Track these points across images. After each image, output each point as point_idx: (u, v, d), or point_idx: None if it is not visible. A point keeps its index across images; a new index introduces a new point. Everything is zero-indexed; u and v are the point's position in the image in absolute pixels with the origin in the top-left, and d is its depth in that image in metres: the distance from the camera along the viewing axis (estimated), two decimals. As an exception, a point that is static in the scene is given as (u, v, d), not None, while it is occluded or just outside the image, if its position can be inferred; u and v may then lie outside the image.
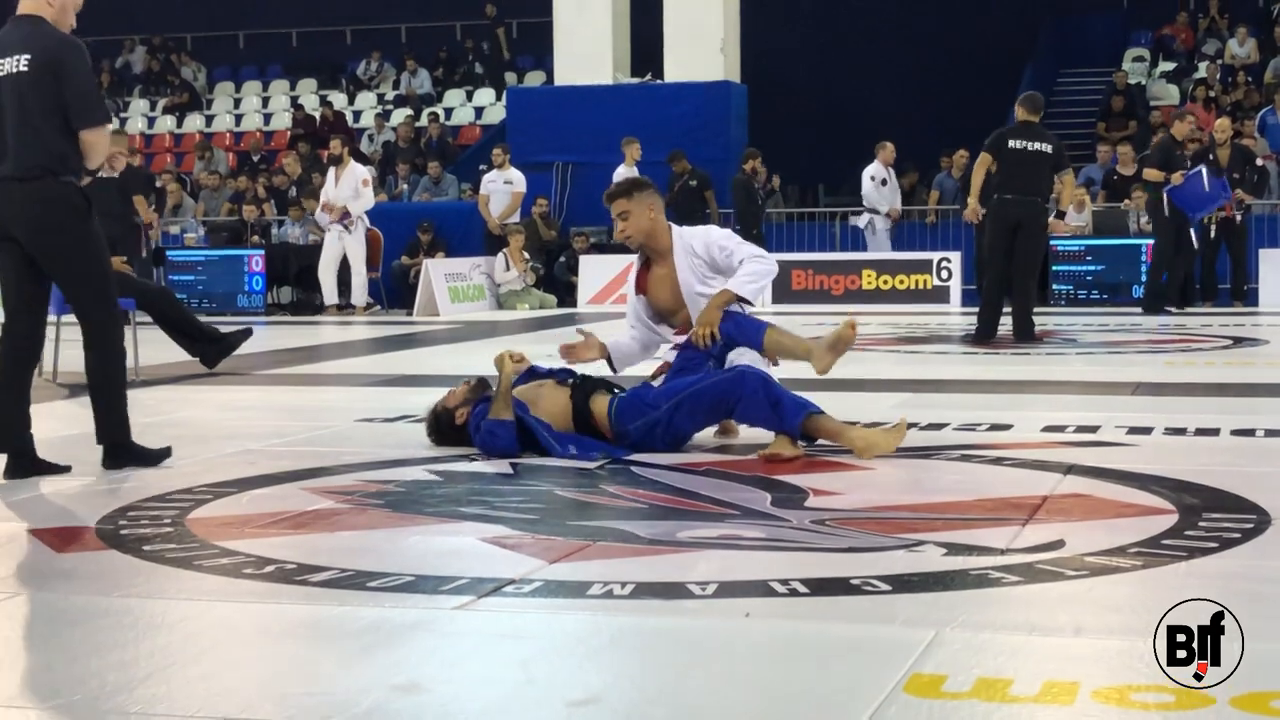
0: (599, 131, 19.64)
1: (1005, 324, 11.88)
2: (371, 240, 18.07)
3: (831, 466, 5.74)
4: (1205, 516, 4.64)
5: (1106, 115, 21.89)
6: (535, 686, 3.09)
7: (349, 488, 5.44)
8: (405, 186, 21.42)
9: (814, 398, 6.12)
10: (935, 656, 3.17)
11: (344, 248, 17.35)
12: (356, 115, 25.71)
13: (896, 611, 3.58)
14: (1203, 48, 23.73)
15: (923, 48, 25.64)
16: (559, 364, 6.61)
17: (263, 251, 18.39)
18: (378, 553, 4.35)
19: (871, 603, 3.69)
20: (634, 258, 6.81)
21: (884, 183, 18.71)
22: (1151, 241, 16.57)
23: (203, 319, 10.71)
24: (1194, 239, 15.47)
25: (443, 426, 6.35)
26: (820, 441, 6.03)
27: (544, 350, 6.87)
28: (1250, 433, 6.51)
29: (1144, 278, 16.49)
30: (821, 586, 3.84)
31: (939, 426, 6.73)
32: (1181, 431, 6.57)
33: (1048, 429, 6.68)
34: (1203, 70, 22.49)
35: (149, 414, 6.13)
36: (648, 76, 20.60)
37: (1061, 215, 12.01)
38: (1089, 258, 16.95)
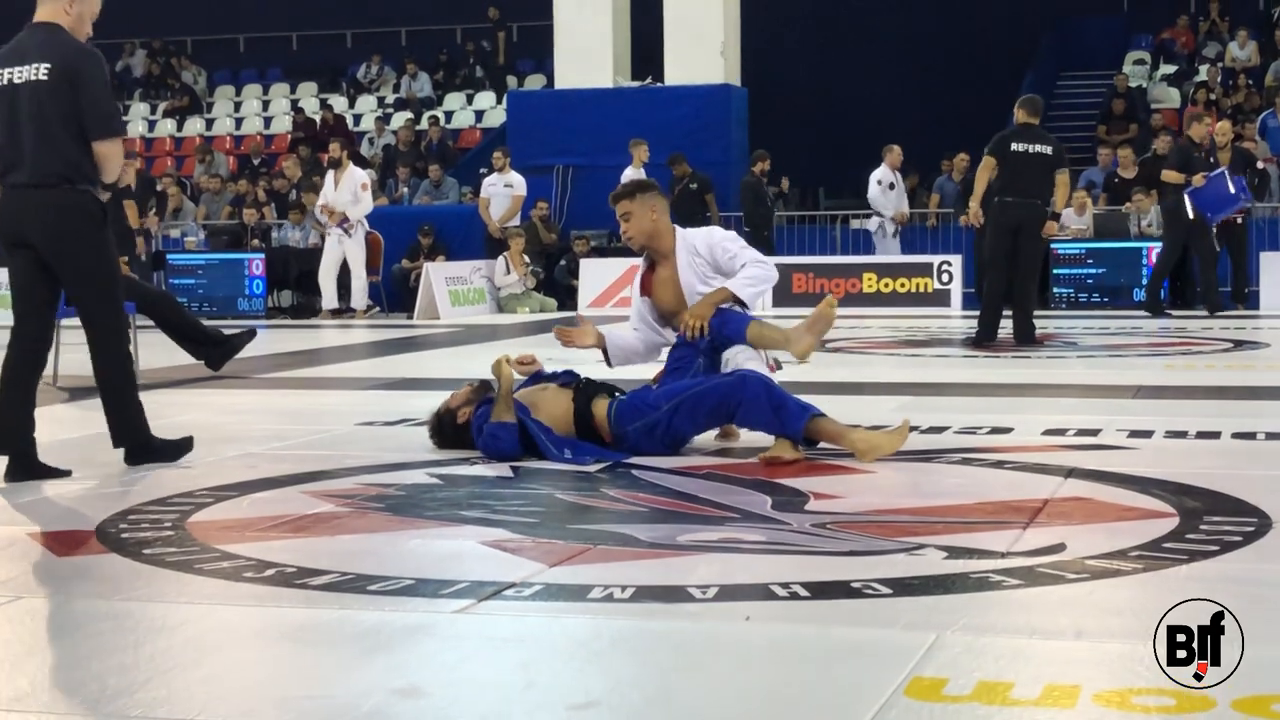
0: (599, 135, 19.66)
1: (1006, 327, 11.88)
2: (372, 244, 18.08)
3: (832, 470, 5.74)
4: (1206, 520, 4.63)
5: (1107, 118, 21.89)
6: (536, 690, 3.09)
7: (349, 491, 5.44)
8: (406, 190, 21.42)
9: (814, 401, 6.12)
10: (936, 660, 3.17)
11: (343, 252, 17.36)
12: (357, 119, 25.73)
13: (897, 615, 3.58)
14: (1203, 51, 23.73)
15: (923, 50, 25.65)
16: (562, 367, 6.62)
17: (263, 255, 18.41)
18: (378, 556, 4.35)
19: (872, 606, 3.69)
20: (635, 260, 6.82)
21: (891, 186, 18.69)
22: (1154, 245, 16.60)
23: (204, 322, 10.71)
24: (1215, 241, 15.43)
25: (445, 428, 6.35)
26: (821, 445, 6.03)
27: (545, 354, 6.87)
28: (1251, 436, 6.50)
29: (1147, 280, 16.53)
30: (822, 590, 3.83)
31: (940, 430, 6.73)
32: (1182, 435, 6.57)
33: (1048, 432, 6.68)
34: (1203, 73, 22.50)
35: (150, 417, 6.13)
36: (648, 79, 20.61)
37: (1056, 218, 11.99)
38: (1090, 261, 16.95)
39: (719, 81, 20.02)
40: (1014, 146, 11.54)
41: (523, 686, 3.11)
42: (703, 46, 19.97)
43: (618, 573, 4.04)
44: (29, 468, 5.80)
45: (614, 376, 6.71)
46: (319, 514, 5.00)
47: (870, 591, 3.80)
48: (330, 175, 17.55)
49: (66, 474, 5.82)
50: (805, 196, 23.09)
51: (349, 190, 17.24)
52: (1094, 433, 6.62)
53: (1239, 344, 11.85)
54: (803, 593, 3.80)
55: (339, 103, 26.35)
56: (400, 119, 24.37)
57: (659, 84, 20.43)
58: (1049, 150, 11.59)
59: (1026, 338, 11.70)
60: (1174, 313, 15.41)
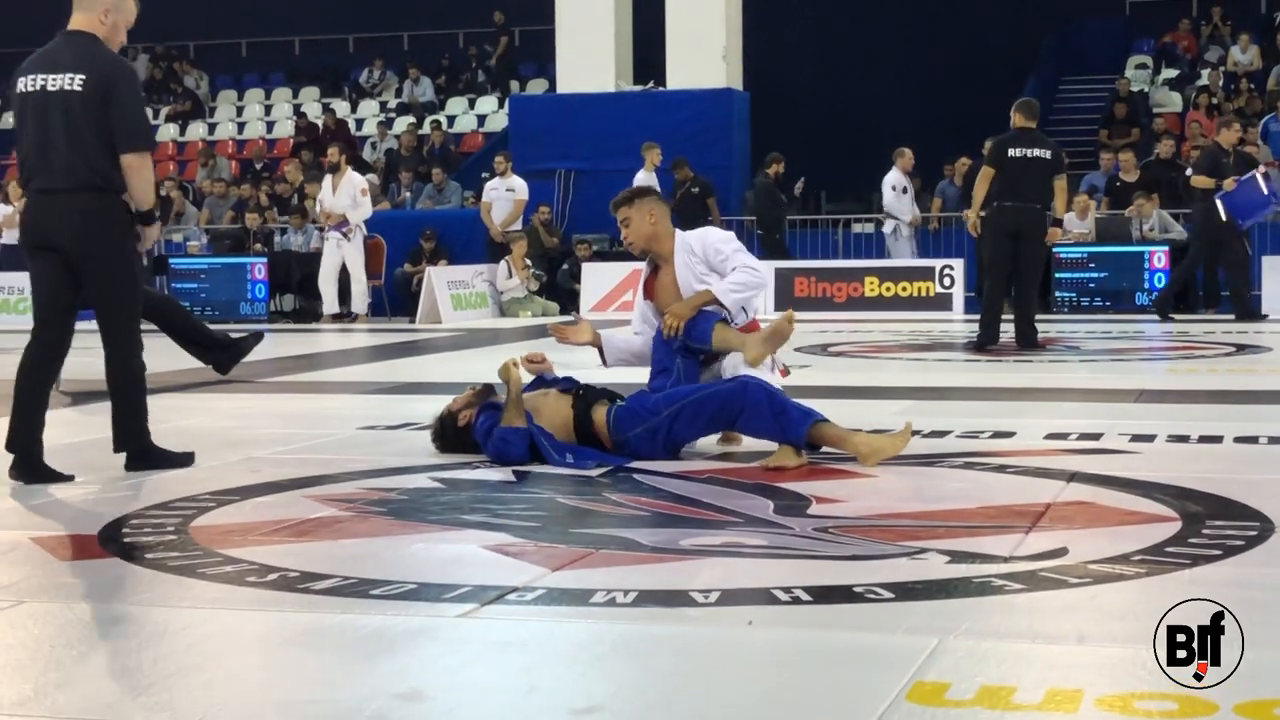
0: (601, 139, 19.68)
1: (1008, 331, 11.88)
2: (374, 248, 18.09)
3: (834, 474, 5.74)
4: (1208, 524, 4.63)
5: (1109, 122, 21.90)
6: (538, 694, 3.09)
7: (352, 495, 5.44)
8: (408, 194, 21.44)
9: (816, 405, 6.12)
10: (938, 664, 3.17)
11: (342, 256, 17.37)
12: (359, 123, 25.75)
13: (899, 619, 3.58)
14: (1205, 55, 23.74)
15: (925, 54, 25.66)
16: (562, 372, 6.62)
17: (265, 259, 18.42)
18: (380, 560, 4.35)
19: (874, 610, 3.69)
20: (638, 265, 6.85)
21: (904, 190, 18.68)
22: (1156, 249, 16.61)
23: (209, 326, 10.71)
24: (1247, 245, 15.39)
25: (447, 432, 6.35)
26: (823, 449, 6.03)
27: (548, 357, 6.87)
28: (1253, 440, 6.50)
29: (1149, 284, 16.54)
30: (824, 594, 3.83)
31: (942, 434, 6.73)
32: (1184, 439, 6.56)
33: (1051, 436, 6.68)
34: (1205, 77, 22.51)
35: (153, 422, 6.13)
36: (650, 84, 20.63)
37: (1059, 223, 11.98)
38: (1092, 265, 16.95)
39: (721, 85, 20.04)
40: (1011, 152, 11.54)
41: (525, 691, 3.11)
42: (704, 50, 19.99)
43: (620, 577, 4.04)
44: (34, 468, 5.82)
45: (612, 379, 6.72)
46: (321, 518, 5.00)
47: (872, 596, 3.80)
48: (328, 180, 17.55)
49: (69, 479, 5.83)
50: (807, 200, 23.11)
51: (347, 195, 17.25)
52: (1096, 437, 6.62)
53: (1241, 348, 11.84)
54: (805, 597, 3.80)
55: (341, 107, 26.37)
56: (402, 123, 24.39)
57: (661, 88, 20.45)
58: (1047, 154, 11.58)
59: (1029, 342, 11.70)
60: (1175, 317, 15.39)
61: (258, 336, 10.44)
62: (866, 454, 5.86)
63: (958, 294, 17.33)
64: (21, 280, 18.69)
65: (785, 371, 6.66)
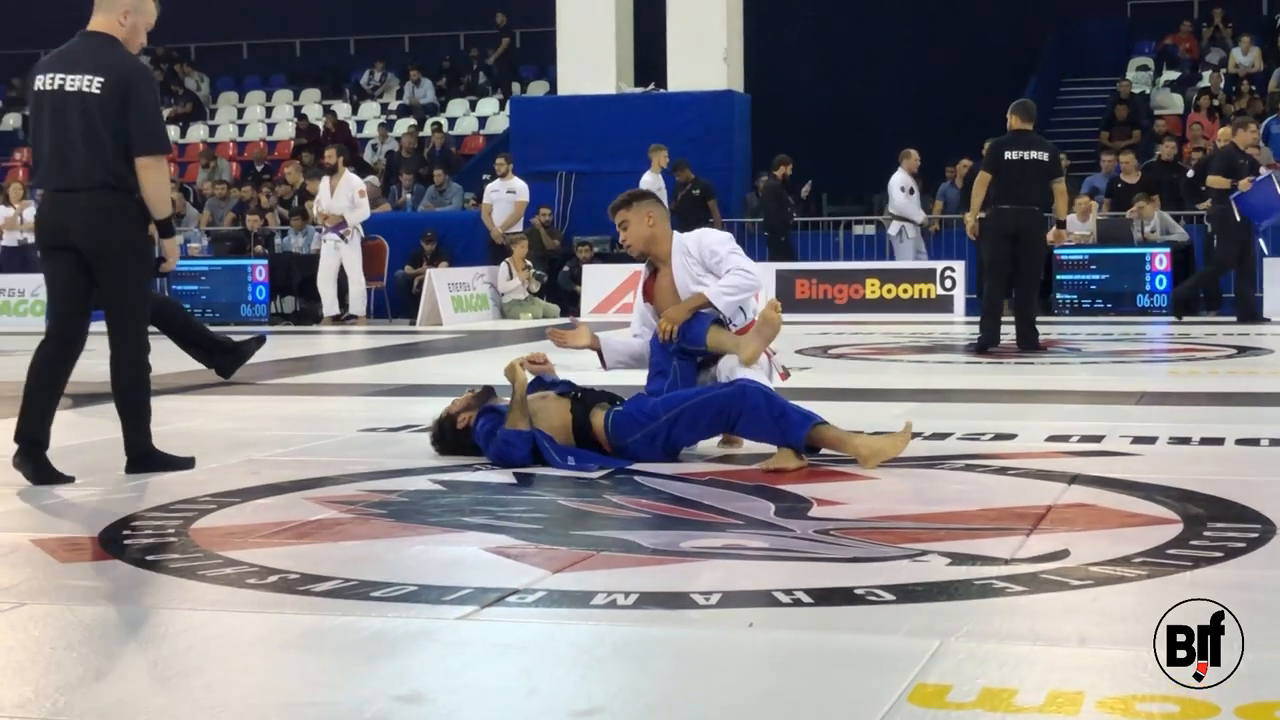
0: (602, 141, 19.68)
1: (1008, 333, 11.87)
2: (376, 250, 18.09)
3: (835, 476, 5.74)
4: (1210, 526, 4.63)
5: (1110, 124, 21.90)
6: (539, 697, 3.09)
7: (352, 497, 5.44)
8: (409, 196, 21.45)
9: (817, 408, 6.12)
10: (940, 666, 3.17)
11: (340, 258, 17.37)
12: (360, 125, 25.76)
13: (901, 621, 3.57)
14: (1206, 57, 23.74)
15: (926, 57, 25.65)
16: (562, 375, 6.62)
17: (266, 261, 18.43)
18: (381, 562, 4.35)
19: (876, 613, 3.68)
20: (639, 267, 6.85)
21: (911, 191, 18.66)
22: (1158, 250, 16.60)
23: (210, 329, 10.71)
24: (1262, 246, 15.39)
25: (446, 435, 6.35)
26: (823, 451, 6.02)
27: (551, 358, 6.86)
28: (1255, 442, 6.50)
29: (1150, 286, 16.53)
30: (825, 596, 3.83)
31: (943, 436, 6.73)
32: (1186, 441, 6.56)
33: (1052, 438, 6.68)
34: (1206, 79, 22.51)
35: (154, 423, 6.13)
36: (651, 86, 20.63)
37: (1061, 224, 11.97)
38: (1093, 267, 16.94)
39: (722, 87, 20.05)
40: (1007, 155, 11.54)
41: (525, 693, 3.11)
42: (705, 52, 20.00)
43: (621, 579, 4.04)
44: (38, 461, 5.81)
45: (610, 382, 6.72)
46: (322, 520, 5.00)
47: (873, 598, 3.79)
48: (325, 181, 17.55)
49: (70, 480, 5.82)
50: (808, 203, 23.10)
51: (345, 196, 17.27)
52: (1097, 439, 6.62)
53: (1243, 350, 11.84)
54: (806, 599, 3.80)
55: (342, 109, 26.38)
56: (403, 125, 24.39)
57: (662, 90, 20.45)
58: (1044, 157, 11.58)
59: (1030, 344, 11.70)
60: (1187, 319, 15.40)
61: (260, 340, 10.44)
62: (867, 456, 5.86)
63: (959, 296, 17.32)
64: (21, 282, 18.72)
65: (785, 374, 6.67)
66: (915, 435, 6.16)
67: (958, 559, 4.22)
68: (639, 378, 6.72)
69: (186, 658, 3.44)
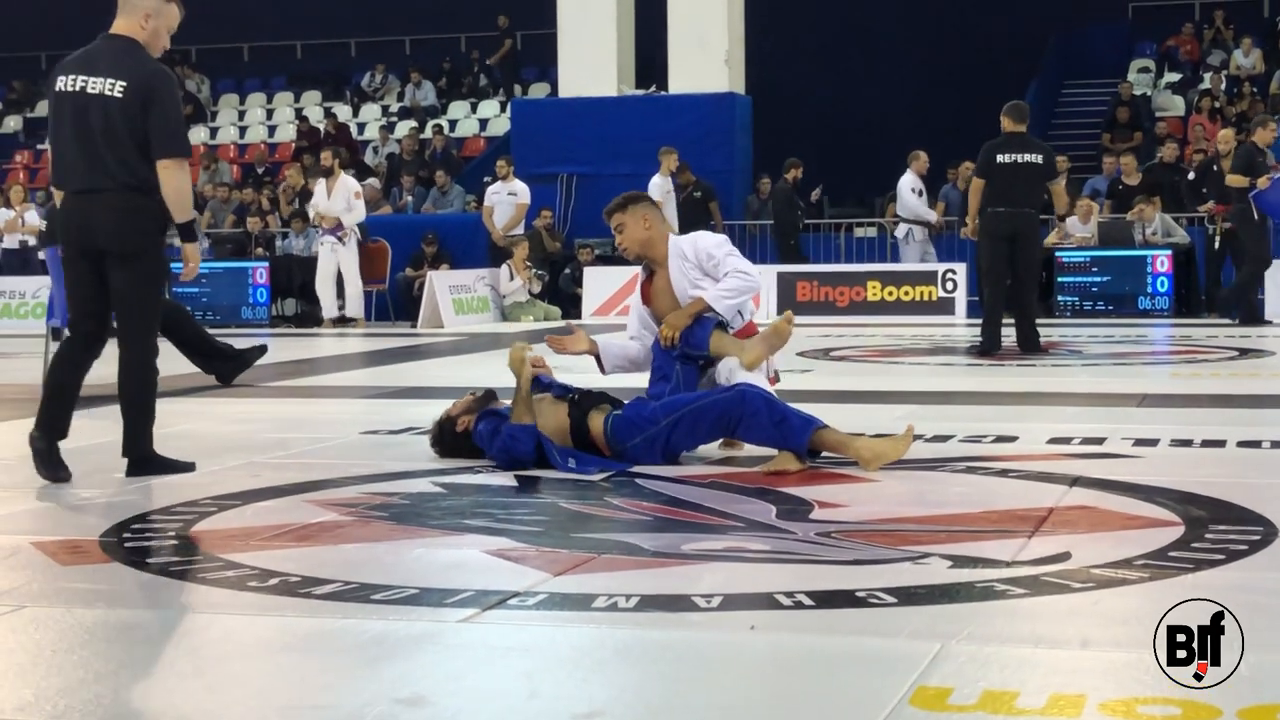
0: (604, 143, 19.67)
1: (1009, 335, 11.87)
2: (378, 252, 18.08)
3: (836, 478, 5.74)
4: (1212, 529, 4.63)
5: (1111, 126, 21.90)
6: (540, 699, 3.09)
7: (353, 500, 5.44)
8: (410, 198, 21.45)
9: (818, 410, 6.11)
10: (941, 669, 3.17)
11: (337, 260, 17.37)
12: (361, 127, 25.76)
13: (902, 624, 3.57)
14: (1208, 59, 23.74)
15: (927, 59, 25.65)
16: (563, 376, 6.62)
17: (267, 264, 18.42)
18: (382, 565, 4.35)
19: (877, 615, 3.68)
20: (639, 269, 6.84)
21: (920, 193, 18.65)
22: (1159, 253, 16.60)
23: (209, 332, 10.70)
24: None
25: (446, 437, 6.34)
26: (825, 454, 6.02)
27: (549, 361, 6.86)
28: (1256, 444, 6.49)
29: (1151, 288, 16.52)
30: (827, 599, 3.83)
31: (944, 438, 6.73)
32: (1188, 443, 6.56)
33: (1053, 441, 6.67)
34: (1208, 81, 22.51)
35: (155, 426, 6.13)
36: (652, 88, 20.63)
37: (1062, 219, 11.96)
38: (1094, 269, 16.94)
39: (723, 90, 20.04)
40: (999, 158, 11.54)
41: (526, 696, 3.11)
42: (707, 55, 19.99)
43: (622, 582, 4.04)
44: (49, 453, 5.85)
45: (610, 384, 6.71)
46: (323, 523, 5.00)
47: (875, 601, 3.79)
48: (322, 183, 17.55)
49: (67, 479, 5.83)
50: (809, 205, 23.11)
51: (342, 198, 17.26)
52: (1099, 441, 6.61)
53: (1244, 352, 11.84)
54: (807, 602, 3.80)
55: (343, 111, 26.38)
56: (404, 127, 24.39)
57: (663, 92, 20.45)
58: (1038, 159, 11.58)
59: (1031, 346, 11.69)
60: (1178, 320, 15.39)
61: (262, 349, 10.45)
62: (868, 458, 5.85)
63: (960, 298, 17.30)
64: (22, 284, 18.70)
65: (775, 379, 6.62)
66: (917, 438, 6.16)
67: (959, 561, 4.22)
68: (637, 380, 6.72)
69: (187, 660, 3.44)
